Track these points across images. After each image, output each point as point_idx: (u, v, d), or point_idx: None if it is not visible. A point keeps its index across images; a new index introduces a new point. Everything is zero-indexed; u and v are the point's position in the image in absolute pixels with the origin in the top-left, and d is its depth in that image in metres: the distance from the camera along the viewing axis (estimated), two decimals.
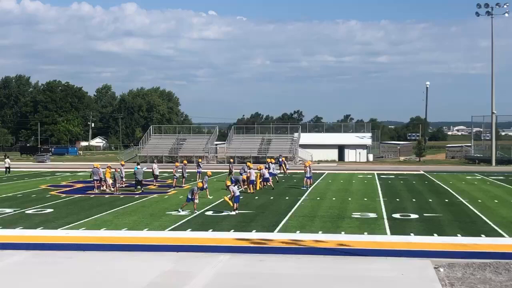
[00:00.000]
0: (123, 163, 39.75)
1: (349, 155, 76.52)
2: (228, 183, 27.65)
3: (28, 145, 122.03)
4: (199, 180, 36.99)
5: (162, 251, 18.05)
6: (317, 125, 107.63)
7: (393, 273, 15.17)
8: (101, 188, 35.33)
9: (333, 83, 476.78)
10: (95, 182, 35.38)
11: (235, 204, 25.61)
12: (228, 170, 45.33)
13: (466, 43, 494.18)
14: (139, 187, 34.90)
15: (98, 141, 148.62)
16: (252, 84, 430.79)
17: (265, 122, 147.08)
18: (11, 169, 52.69)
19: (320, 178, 45.25)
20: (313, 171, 39.33)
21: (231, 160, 49.47)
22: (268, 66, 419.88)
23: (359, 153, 76.38)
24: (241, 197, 27.07)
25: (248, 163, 39.11)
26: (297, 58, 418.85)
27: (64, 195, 33.61)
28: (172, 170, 41.10)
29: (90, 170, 37.12)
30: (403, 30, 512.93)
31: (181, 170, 38.86)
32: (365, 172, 53.78)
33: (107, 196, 32.78)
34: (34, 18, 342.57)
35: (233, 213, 25.27)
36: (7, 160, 53.61)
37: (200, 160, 48.14)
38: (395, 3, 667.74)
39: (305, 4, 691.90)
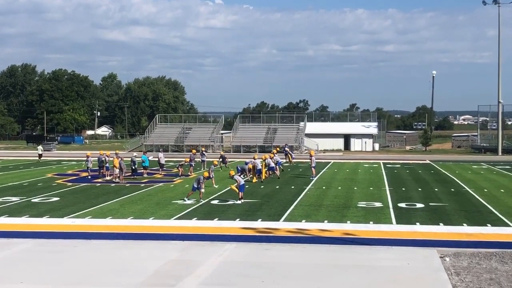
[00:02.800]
0: (101, 153, 38.51)
1: (355, 144, 76.44)
2: (232, 173, 27.61)
3: (34, 134, 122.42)
4: (206, 169, 37.09)
5: (168, 239, 18.07)
6: (323, 114, 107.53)
7: (398, 262, 15.15)
8: (105, 177, 35.62)
9: (339, 72, 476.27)
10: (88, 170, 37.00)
11: (240, 193, 25.62)
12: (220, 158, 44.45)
13: (473, 32, 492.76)
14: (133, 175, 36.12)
15: (104, 130, 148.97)
16: (258, 73, 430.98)
17: (271, 111, 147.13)
18: (42, 156, 56.23)
19: (326, 167, 45.21)
20: (316, 160, 38.82)
21: (223, 152, 48.59)
22: (274, 55, 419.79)
23: (365, 142, 76.29)
24: (246, 186, 27.08)
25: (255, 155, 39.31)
26: (304, 47, 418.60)
27: (70, 183, 33.71)
28: (183, 159, 41.03)
29: (95, 158, 37.90)
30: (411, 19, 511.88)
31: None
32: (371, 161, 53.71)
33: (113, 185, 32.85)
34: (41, 7, 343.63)
35: (239, 202, 25.29)
36: (40, 147, 57.98)
37: (203, 149, 47.98)
38: None
39: None
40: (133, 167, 36.15)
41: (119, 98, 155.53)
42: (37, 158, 55.37)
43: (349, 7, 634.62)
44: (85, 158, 38.47)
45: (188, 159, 39.02)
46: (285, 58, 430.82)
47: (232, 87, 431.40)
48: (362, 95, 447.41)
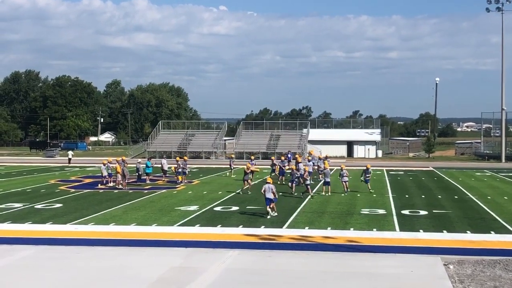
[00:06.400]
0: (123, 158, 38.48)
1: (358, 151, 76.37)
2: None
3: (37, 140, 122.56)
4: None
5: (171, 246, 18.04)
6: (326, 121, 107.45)
7: (402, 269, 15.10)
8: (109, 184, 35.52)
9: (342, 79, 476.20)
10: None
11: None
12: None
13: (477, 39, 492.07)
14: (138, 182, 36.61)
15: (107, 136, 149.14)
16: (261, 79, 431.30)
17: (274, 117, 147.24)
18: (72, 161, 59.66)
19: None
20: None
21: (232, 156, 48.88)
22: (277, 62, 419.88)
23: (368, 149, 76.21)
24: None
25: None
26: (307, 53, 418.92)
27: (73, 190, 33.70)
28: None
29: (99, 165, 37.99)
30: (414, 25, 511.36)
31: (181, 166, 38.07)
32: (374, 168, 53.41)
33: (116, 191, 32.84)
34: (45, 13, 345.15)
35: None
36: (70, 152, 62.45)
37: (232, 155, 48.22)
38: None
39: None
40: (138, 174, 36.48)
41: (122, 104, 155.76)
42: (67, 163, 58.48)
43: (353, 14, 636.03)
44: (101, 165, 36.12)
45: (175, 168, 37.74)
46: (289, 65, 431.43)
47: (235, 93, 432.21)
48: (365, 101, 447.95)
